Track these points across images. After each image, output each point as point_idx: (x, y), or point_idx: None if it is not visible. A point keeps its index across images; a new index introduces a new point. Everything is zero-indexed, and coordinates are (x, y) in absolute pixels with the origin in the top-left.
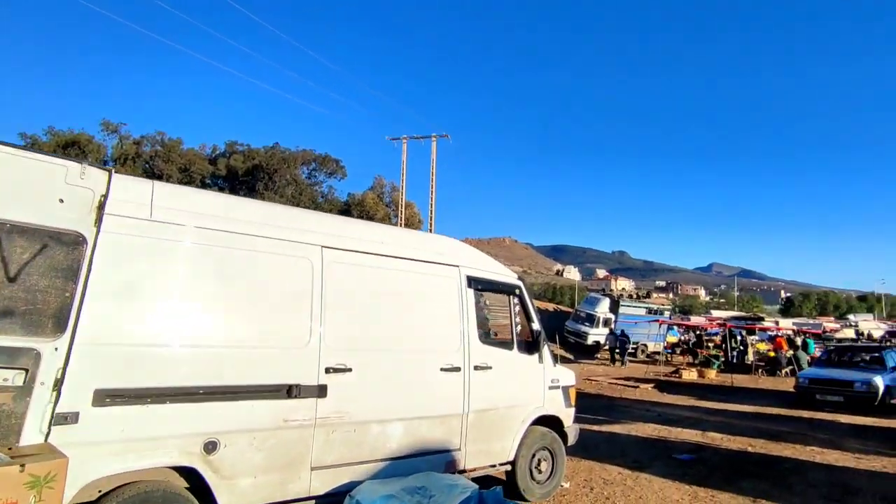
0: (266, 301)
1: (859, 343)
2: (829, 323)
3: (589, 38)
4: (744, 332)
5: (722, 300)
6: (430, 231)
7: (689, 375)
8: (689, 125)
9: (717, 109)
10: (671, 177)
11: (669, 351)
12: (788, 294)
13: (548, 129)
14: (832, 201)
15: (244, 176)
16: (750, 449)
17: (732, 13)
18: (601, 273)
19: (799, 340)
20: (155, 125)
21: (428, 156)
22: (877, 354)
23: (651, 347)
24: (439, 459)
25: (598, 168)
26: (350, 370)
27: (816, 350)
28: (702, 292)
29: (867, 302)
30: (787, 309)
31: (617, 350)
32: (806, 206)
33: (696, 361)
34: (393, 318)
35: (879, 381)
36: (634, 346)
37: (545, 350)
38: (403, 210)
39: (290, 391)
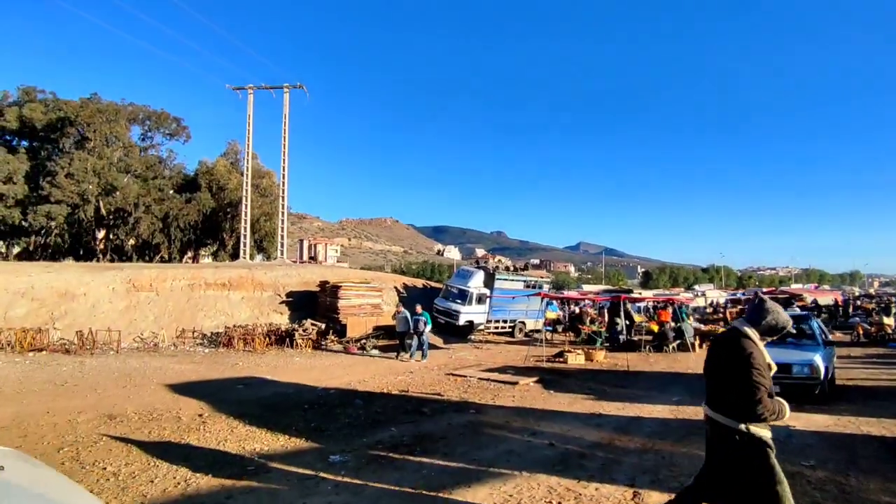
0: None
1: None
2: (684, 294)
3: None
4: (628, 306)
5: (589, 276)
6: (283, 199)
7: (576, 359)
8: (567, 104)
9: (591, 92)
10: (545, 155)
11: (550, 328)
12: (644, 269)
13: (431, 108)
14: (680, 185)
15: (45, 131)
16: None
17: None
18: (480, 252)
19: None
20: None
21: (291, 123)
22: (804, 325)
23: (530, 325)
24: None
25: (479, 150)
26: None
27: (691, 320)
28: (571, 269)
29: (708, 274)
30: (647, 282)
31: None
32: (659, 190)
33: (579, 339)
34: None
35: (819, 362)
36: (512, 323)
37: None
38: (249, 170)
39: None
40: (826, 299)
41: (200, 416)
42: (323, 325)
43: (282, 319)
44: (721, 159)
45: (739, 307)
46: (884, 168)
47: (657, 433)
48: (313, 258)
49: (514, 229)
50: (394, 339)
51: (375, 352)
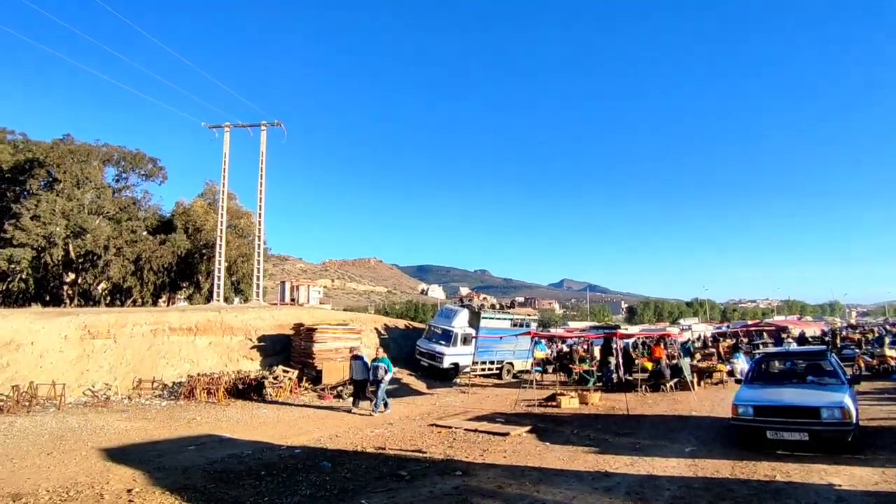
0: None
1: (793, 346)
2: (670, 328)
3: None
4: (628, 343)
5: (574, 312)
6: (260, 236)
7: (570, 403)
8: (545, 155)
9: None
10: (527, 200)
11: (539, 369)
12: (628, 304)
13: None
14: (659, 221)
15: (12, 173)
16: None
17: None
18: (464, 291)
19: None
20: None
21: (270, 162)
22: (823, 361)
23: (518, 366)
24: None
25: (461, 191)
26: None
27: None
28: (556, 306)
29: (693, 307)
30: (631, 317)
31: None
32: (638, 227)
33: (571, 380)
34: None
35: (850, 404)
36: (499, 365)
37: None
38: (224, 210)
39: None
40: (811, 330)
41: (129, 491)
42: (296, 372)
43: (252, 366)
44: (698, 195)
45: (730, 341)
46: (861, 199)
47: (681, 498)
48: (295, 300)
49: (497, 267)
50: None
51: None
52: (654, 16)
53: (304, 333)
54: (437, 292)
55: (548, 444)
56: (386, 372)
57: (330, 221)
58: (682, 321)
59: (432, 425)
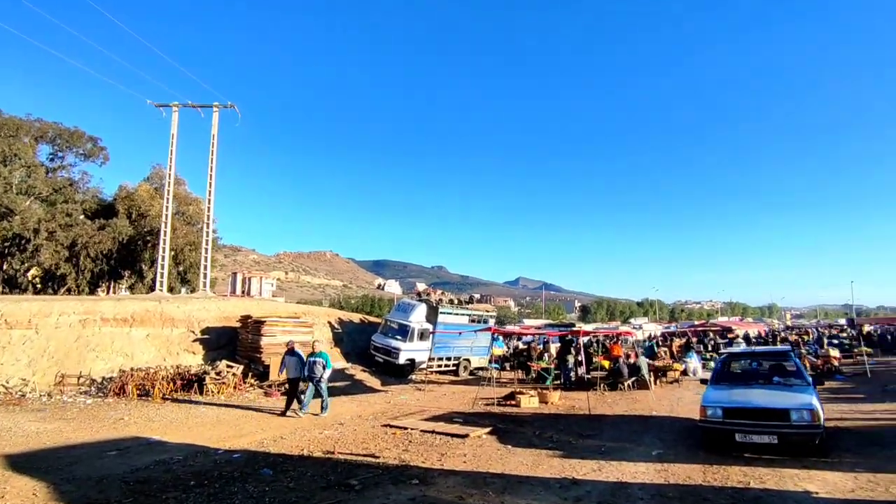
0: None
1: (756, 347)
2: (623, 327)
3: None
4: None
5: (529, 310)
6: (209, 224)
7: (530, 402)
8: (505, 155)
9: (527, 143)
10: (482, 195)
11: (497, 366)
12: (581, 303)
13: (368, 144)
14: (613, 224)
15: None
16: None
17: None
18: (421, 286)
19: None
20: None
21: (223, 147)
22: (787, 361)
23: (475, 362)
24: None
25: (418, 184)
26: None
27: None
28: (511, 303)
29: (643, 307)
30: (584, 316)
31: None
32: (592, 229)
33: (529, 377)
34: None
35: (818, 405)
36: (456, 361)
37: None
38: (170, 194)
39: None
40: (753, 331)
41: None
42: (241, 367)
43: (194, 360)
44: (651, 199)
45: (681, 340)
46: (795, 209)
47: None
48: (246, 292)
49: (454, 264)
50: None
51: (302, 397)
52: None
53: (252, 326)
54: (393, 287)
55: (509, 446)
56: (324, 368)
57: (285, 212)
58: (632, 320)
59: (386, 426)
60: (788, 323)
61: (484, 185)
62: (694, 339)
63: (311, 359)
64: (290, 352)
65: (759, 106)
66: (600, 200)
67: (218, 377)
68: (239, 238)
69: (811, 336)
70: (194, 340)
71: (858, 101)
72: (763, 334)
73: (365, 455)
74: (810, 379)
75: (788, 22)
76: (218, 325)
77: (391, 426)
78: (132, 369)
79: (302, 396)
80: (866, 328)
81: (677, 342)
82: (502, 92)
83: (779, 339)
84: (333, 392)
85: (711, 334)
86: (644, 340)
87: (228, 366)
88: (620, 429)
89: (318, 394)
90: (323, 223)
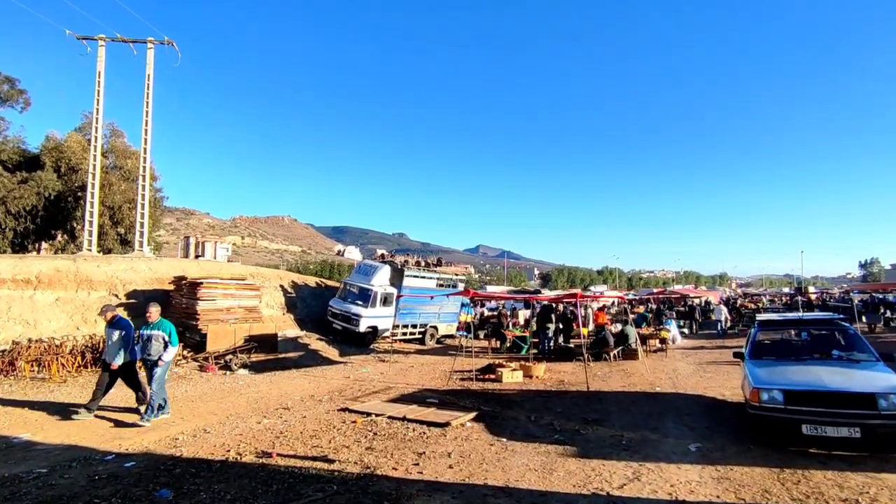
0: None
1: (800, 312)
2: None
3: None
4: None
5: (490, 277)
6: (145, 176)
7: (513, 377)
8: (464, 117)
9: (486, 113)
10: (446, 165)
11: (465, 333)
12: (541, 271)
13: (330, 105)
14: (574, 191)
15: None
16: None
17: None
18: (382, 252)
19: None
20: None
21: (173, 101)
22: (842, 331)
23: (443, 330)
24: None
25: (381, 153)
26: None
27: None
28: (472, 270)
29: (603, 275)
30: (546, 284)
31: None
32: (552, 198)
33: (504, 346)
34: None
35: None
36: (422, 329)
37: None
38: (98, 141)
39: None
40: (713, 299)
41: None
42: None
43: None
44: (610, 169)
45: (641, 308)
46: (746, 182)
47: None
48: (200, 257)
49: (415, 232)
50: (274, 351)
51: (244, 372)
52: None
53: (187, 289)
54: (354, 254)
55: (504, 439)
56: (167, 347)
57: (241, 176)
58: (592, 288)
59: (344, 410)
60: (738, 291)
61: (445, 153)
62: (654, 308)
63: (145, 332)
64: (112, 323)
65: (714, 82)
66: (561, 170)
67: None
68: (192, 201)
69: (763, 303)
70: (117, 306)
71: (810, 78)
72: (723, 301)
73: (315, 458)
74: (874, 352)
75: None
76: (148, 288)
77: (350, 410)
78: (31, 340)
79: (147, 391)
80: (812, 295)
81: (639, 308)
82: (465, 63)
83: (731, 305)
84: (284, 364)
85: (672, 301)
86: (645, 310)
87: None
88: (630, 411)
89: (133, 384)
90: (281, 188)
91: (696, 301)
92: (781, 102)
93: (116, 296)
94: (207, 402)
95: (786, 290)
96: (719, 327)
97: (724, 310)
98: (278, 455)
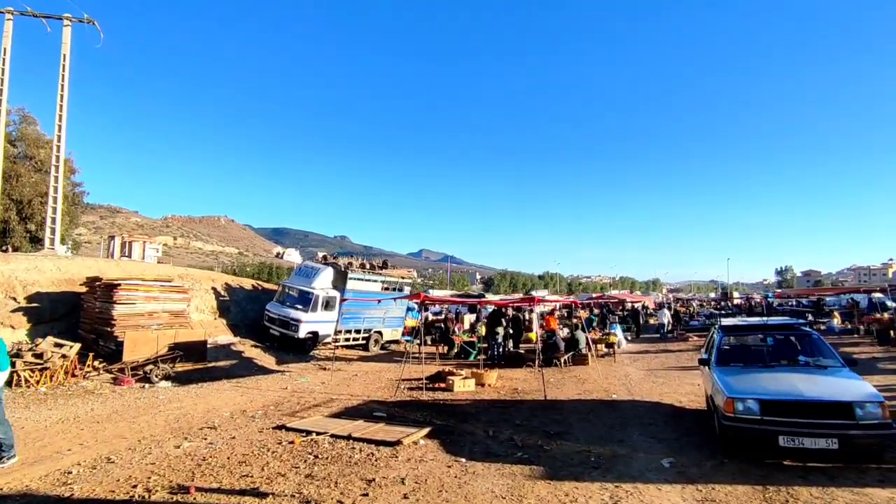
0: None
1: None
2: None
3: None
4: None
5: (433, 281)
6: (58, 165)
7: (465, 386)
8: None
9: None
10: (386, 166)
11: (410, 339)
12: (483, 276)
13: (268, 104)
14: (510, 200)
15: None
16: None
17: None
18: (323, 255)
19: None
20: None
21: (100, 106)
22: (807, 336)
23: (387, 335)
24: None
25: (322, 153)
26: None
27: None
28: (415, 274)
29: (544, 280)
30: (488, 288)
31: None
32: (492, 203)
33: (452, 352)
34: None
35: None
36: (366, 334)
37: None
38: (2, 123)
39: None
40: (648, 303)
41: None
42: (78, 346)
43: (14, 337)
44: (548, 176)
45: (585, 312)
46: (674, 195)
47: None
48: (126, 257)
49: (357, 234)
50: (203, 360)
51: (166, 384)
52: None
53: (102, 291)
54: (293, 256)
55: (462, 459)
56: None
57: (173, 173)
58: (533, 293)
59: (281, 428)
60: (669, 297)
61: (387, 156)
62: (597, 312)
63: None
64: None
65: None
66: (502, 176)
67: (37, 361)
68: (119, 198)
69: (693, 307)
70: (15, 310)
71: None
72: (660, 305)
73: (243, 492)
74: (840, 360)
75: None
76: (54, 291)
77: (288, 428)
78: None
79: None
80: (736, 300)
81: (583, 313)
82: (414, 61)
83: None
84: (213, 374)
85: (611, 305)
86: (591, 314)
87: (57, 344)
88: (591, 421)
89: None
90: (217, 187)
91: (638, 305)
92: (699, 120)
93: (14, 299)
94: (117, 423)
95: (712, 294)
96: (662, 331)
97: (668, 313)
98: (197, 490)
